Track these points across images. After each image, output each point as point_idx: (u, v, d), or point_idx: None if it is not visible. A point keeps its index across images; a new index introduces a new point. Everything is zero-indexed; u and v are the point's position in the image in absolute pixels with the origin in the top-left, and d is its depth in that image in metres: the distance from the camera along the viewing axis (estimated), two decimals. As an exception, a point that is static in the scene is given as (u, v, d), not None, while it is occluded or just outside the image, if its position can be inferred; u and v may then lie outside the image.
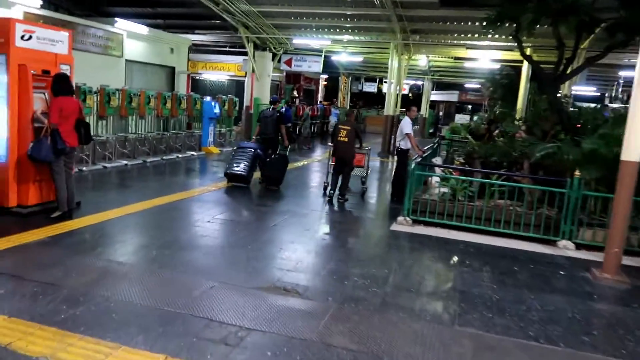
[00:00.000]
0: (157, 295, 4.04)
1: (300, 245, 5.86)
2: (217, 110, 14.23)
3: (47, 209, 6.14)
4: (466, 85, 31.34)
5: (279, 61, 19.54)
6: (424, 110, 30.86)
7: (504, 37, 14.71)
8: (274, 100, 10.01)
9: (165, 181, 9.85)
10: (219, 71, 22.31)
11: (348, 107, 31.39)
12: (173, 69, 15.80)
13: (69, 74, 6.19)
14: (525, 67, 15.67)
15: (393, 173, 9.17)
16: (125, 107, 10.71)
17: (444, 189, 7.41)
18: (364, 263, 5.38)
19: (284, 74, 24.96)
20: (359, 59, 20.84)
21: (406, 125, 8.82)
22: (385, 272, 5.10)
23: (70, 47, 6.37)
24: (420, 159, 8.54)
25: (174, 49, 15.67)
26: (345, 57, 19.49)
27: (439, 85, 31.78)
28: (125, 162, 10.75)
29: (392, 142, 17.36)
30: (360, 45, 18.03)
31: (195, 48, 23.33)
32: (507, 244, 6.46)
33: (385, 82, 33.30)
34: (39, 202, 6.20)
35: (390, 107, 17.16)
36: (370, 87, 31.73)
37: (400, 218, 7.18)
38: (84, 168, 9.62)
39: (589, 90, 26.26)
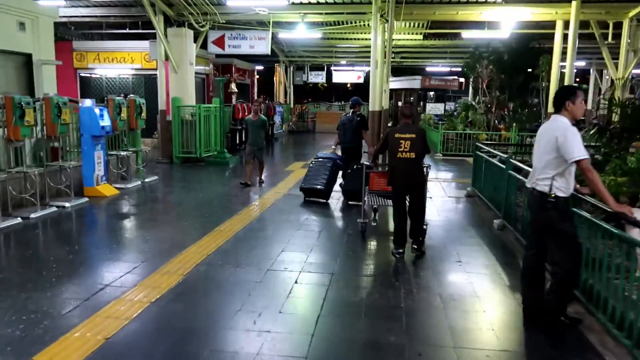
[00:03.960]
0: None
1: None
2: (106, 122, 8.17)
3: None
4: (428, 69, 26.77)
5: (205, 44, 13.53)
6: (384, 101, 26.01)
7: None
8: (354, 103, 8.48)
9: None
10: (118, 64, 15.78)
11: (291, 102, 25.81)
12: (29, 57, 9.43)
13: None
14: (571, 29, 10.92)
15: (527, 252, 3.84)
16: None
17: None
18: None
19: (211, 66, 18.77)
20: (316, 35, 15.16)
21: (574, 140, 3.46)
22: None
23: None
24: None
25: (27, 24, 9.29)
26: (302, 31, 13.66)
27: (395, 71, 26.96)
28: None
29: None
30: (326, 9, 12.36)
31: (82, 32, 16.70)
32: None
33: (335, 70, 28.36)
34: None
35: (376, 101, 11.84)
36: (317, 78, 26.19)
37: None
38: None
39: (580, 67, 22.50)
